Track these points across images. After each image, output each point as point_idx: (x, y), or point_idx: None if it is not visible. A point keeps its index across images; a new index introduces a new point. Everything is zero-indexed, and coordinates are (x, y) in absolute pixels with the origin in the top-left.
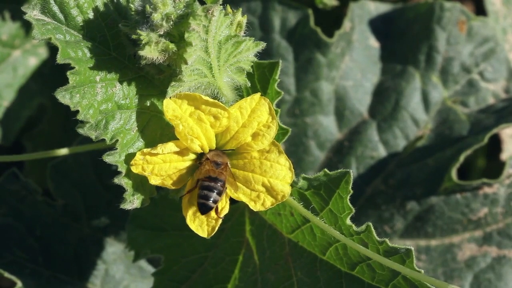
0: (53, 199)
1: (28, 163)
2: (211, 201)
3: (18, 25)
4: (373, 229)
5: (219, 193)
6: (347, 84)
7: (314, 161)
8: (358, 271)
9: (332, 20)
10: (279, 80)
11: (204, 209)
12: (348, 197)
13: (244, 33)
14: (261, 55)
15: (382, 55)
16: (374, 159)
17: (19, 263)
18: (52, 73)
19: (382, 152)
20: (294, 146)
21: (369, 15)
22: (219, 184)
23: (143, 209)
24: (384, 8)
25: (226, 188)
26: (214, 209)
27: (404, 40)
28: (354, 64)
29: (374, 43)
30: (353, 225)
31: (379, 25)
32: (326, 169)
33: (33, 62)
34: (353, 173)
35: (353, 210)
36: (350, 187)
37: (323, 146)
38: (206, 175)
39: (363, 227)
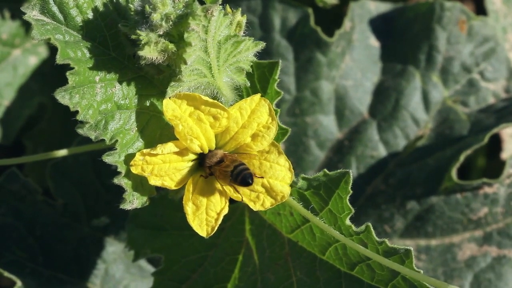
0: (53, 199)
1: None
2: (247, 172)
3: (18, 24)
4: (372, 229)
5: (243, 164)
6: (347, 84)
7: (314, 161)
8: (358, 271)
9: (332, 19)
10: (279, 80)
11: (249, 180)
12: (348, 198)
13: (244, 32)
14: (261, 54)
15: (382, 54)
16: (374, 159)
17: (19, 262)
18: (52, 72)
19: (382, 151)
20: (294, 146)
21: (370, 14)
22: (239, 162)
23: (143, 209)
24: (385, 7)
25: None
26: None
27: (405, 39)
28: (354, 64)
29: (374, 43)
30: (353, 226)
31: (379, 25)
32: (325, 169)
33: (33, 61)
34: (353, 172)
35: (353, 211)
36: (350, 187)
37: (323, 146)
38: (225, 173)
39: (363, 227)
